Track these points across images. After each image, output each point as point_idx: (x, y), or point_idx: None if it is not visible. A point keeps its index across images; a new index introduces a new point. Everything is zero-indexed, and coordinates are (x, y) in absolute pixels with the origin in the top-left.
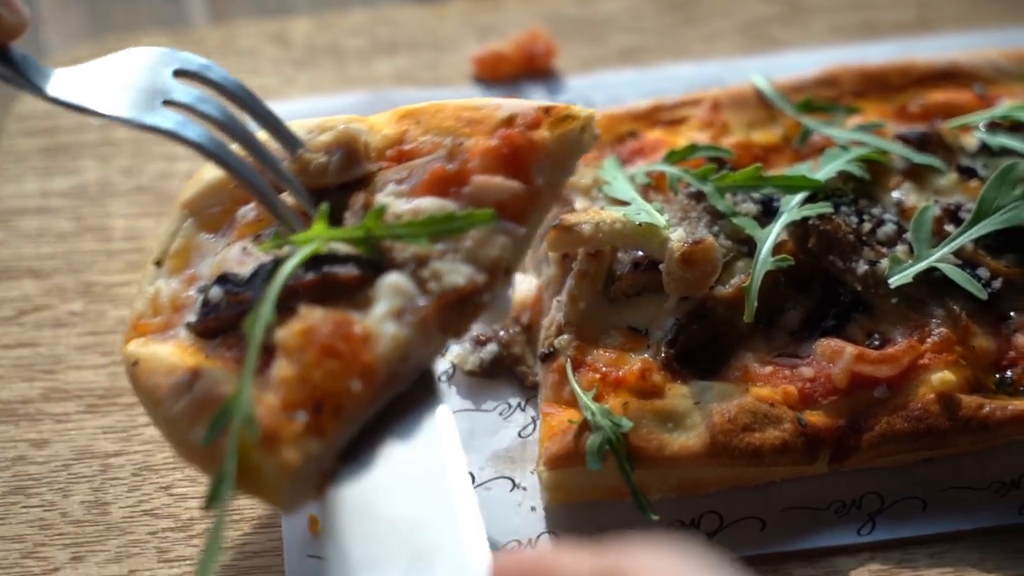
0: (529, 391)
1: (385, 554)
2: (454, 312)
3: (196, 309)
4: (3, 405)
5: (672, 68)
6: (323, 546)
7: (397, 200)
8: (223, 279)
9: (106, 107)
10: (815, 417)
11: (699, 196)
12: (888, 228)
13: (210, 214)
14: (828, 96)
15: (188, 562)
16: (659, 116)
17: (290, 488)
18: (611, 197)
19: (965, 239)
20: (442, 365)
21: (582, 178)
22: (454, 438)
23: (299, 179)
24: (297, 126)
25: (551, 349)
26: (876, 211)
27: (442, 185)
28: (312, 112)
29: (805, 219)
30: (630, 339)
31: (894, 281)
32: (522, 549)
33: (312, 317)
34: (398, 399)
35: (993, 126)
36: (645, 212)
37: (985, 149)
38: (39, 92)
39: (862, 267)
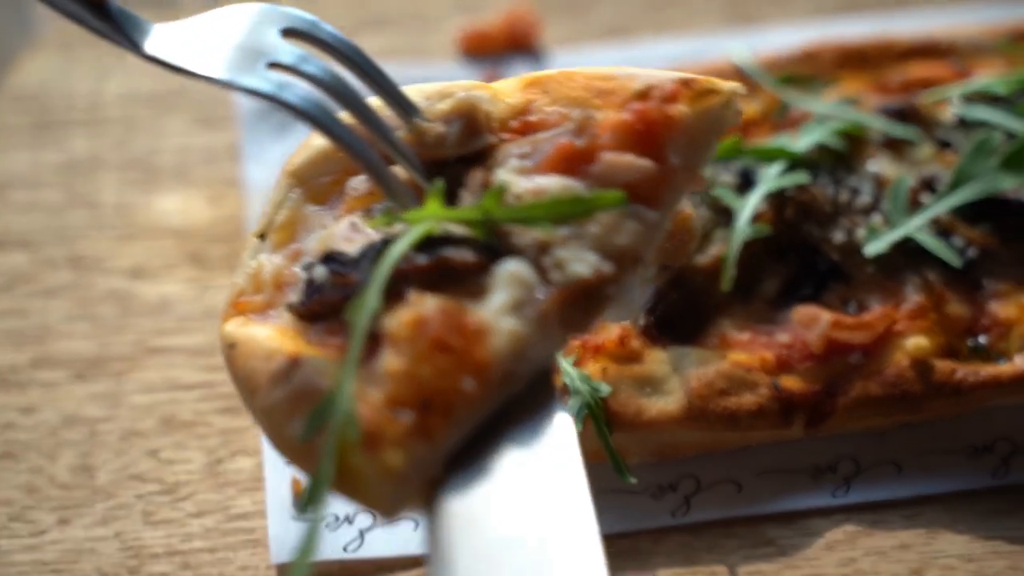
0: None
1: (495, 574)
2: (577, 306)
3: (300, 288)
4: None
5: (655, 44)
6: (426, 563)
7: (518, 177)
8: (329, 258)
9: (203, 67)
10: (791, 382)
11: None
12: (865, 198)
13: (318, 184)
14: (808, 71)
15: (173, 524)
16: None
17: (393, 494)
18: None
19: (940, 208)
20: None
21: None
22: (575, 450)
23: (413, 151)
24: (415, 91)
25: None
26: (853, 182)
27: (569, 162)
28: None
29: (783, 189)
30: None
31: (870, 250)
32: None
33: (423, 306)
34: (513, 402)
35: (969, 99)
36: None
37: (962, 122)
38: (136, 49)
39: (839, 236)
